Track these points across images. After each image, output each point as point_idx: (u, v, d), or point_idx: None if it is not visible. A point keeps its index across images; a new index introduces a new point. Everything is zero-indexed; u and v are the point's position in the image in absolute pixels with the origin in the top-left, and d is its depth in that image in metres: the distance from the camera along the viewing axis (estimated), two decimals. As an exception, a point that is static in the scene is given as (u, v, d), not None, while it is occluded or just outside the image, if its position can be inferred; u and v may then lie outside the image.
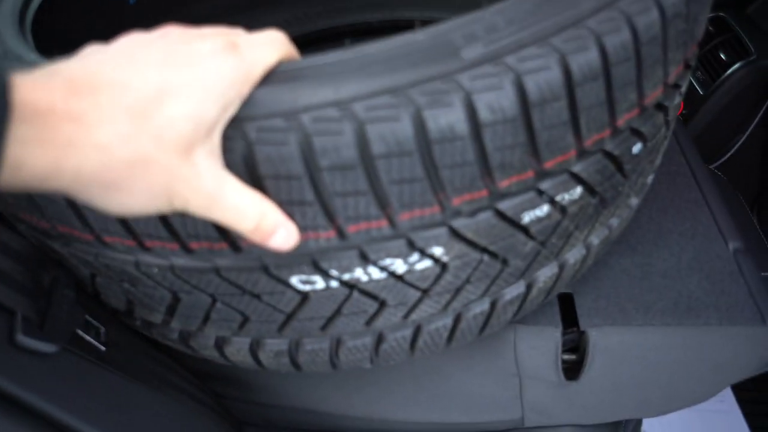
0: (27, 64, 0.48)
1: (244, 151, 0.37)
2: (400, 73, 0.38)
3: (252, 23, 1.22)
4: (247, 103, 0.38)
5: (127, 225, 0.42)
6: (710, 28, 1.35)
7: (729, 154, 1.29)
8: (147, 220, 0.41)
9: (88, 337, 0.49)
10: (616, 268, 0.68)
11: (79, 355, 0.49)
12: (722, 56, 1.26)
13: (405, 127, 0.37)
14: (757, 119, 1.22)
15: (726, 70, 1.22)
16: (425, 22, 1.22)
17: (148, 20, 1.06)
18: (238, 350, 0.54)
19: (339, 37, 1.26)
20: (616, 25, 0.42)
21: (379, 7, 1.26)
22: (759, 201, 1.32)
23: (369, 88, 0.37)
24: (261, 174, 0.38)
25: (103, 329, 0.52)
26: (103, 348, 0.51)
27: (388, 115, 0.37)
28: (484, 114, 0.39)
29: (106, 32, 0.96)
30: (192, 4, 1.12)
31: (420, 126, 0.38)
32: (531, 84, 0.39)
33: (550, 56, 0.40)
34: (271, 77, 0.39)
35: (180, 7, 1.09)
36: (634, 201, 0.63)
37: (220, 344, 0.53)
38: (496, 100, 0.39)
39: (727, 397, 1.34)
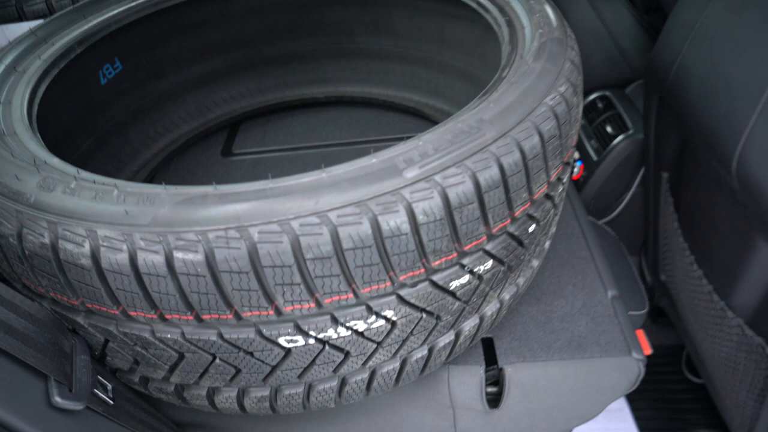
0: (54, 170, 0.60)
1: (249, 248, 0.51)
2: (361, 189, 0.54)
3: (208, 97, 1.36)
4: (251, 212, 0.52)
5: (152, 301, 0.54)
6: (599, 105, 1.63)
7: (619, 209, 1.54)
8: (170, 297, 0.53)
9: (102, 395, 0.59)
10: (526, 315, 0.86)
11: (95, 411, 0.59)
12: (609, 129, 1.53)
13: (366, 229, 0.53)
14: (637, 181, 1.49)
15: (612, 141, 1.49)
16: (365, 99, 1.40)
17: (116, 97, 1.18)
18: (226, 398, 0.65)
19: (289, 108, 1.42)
20: (509, 148, 0.60)
21: (324, 83, 1.43)
22: (645, 246, 1.58)
23: (340, 202, 0.53)
24: (261, 265, 0.52)
25: (110, 386, 0.62)
26: (111, 402, 0.61)
27: (353, 220, 0.52)
28: (420, 217, 0.55)
29: (86, 110, 1.06)
30: (153, 83, 1.24)
31: (376, 227, 0.53)
32: (452, 194, 0.56)
33: (465, 174, 0.57)
34: (268, 192, 0.53)
35: (142, 85, 1.21)
36: (536, 263, 0.82)
37: (211, 394, 0.65)
38: (428, 207, 0.55)
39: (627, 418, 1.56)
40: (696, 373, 1.60)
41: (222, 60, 1.32)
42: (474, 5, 0.96)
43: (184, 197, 0.53)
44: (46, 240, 0.54)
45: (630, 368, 0.78)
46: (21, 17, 1.09)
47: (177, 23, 1.17)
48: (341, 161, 0.57)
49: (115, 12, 1.02)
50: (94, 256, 0.53)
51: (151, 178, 1.21)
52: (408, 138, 0.60)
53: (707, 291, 1.05)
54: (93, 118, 1.10)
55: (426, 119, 1.30)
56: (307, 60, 1.37)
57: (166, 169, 1.26)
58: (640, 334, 0.83)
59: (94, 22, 0.98)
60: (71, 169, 0.60)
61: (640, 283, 1.13)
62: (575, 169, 1.58)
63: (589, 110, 1.66)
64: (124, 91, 1.16)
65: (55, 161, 0.62)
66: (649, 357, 0.80)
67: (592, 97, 1.66)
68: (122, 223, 0.53)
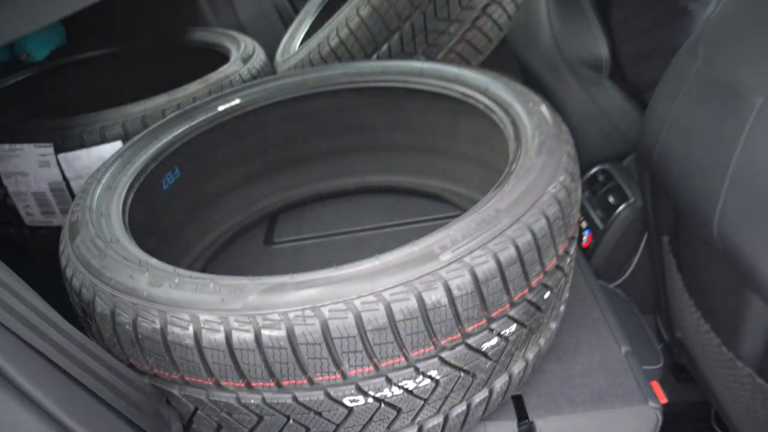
0: (157, 269, 0.74)
1: (321, 324, 0.64)
2: (408, 272, 0.68)
3: (250, 194, 1.54)
4: (322, 295, 0.65)
5: (241, 371, 0.66)
6: (600, 178, 1.79)
7: (629, 271, 1.65)
8: (256, 367, 0.66)
9: (196, 456, 0.70)
10: (549, 372, 0.96)
11: (191, 470, 0.70)
12: (611, 200, 1.67)
13: (413, 303, 0.66)
14: (642, 245, 1.61)
15: (614, 211, 1.63)
16: (389, 186, 1.57)
17: (175, 200, 1.36)
18: (297, 457, 0.76)
19: (322, 199, 1.59)
20: (522, 231, 0.74)
21: (352, 175, 1.61)
22: (658, 305, 1.67)
23: (391, 283, 0.66)
24: (331, 337, 0.65)
25: (199, 450, 0.73)
26: (202, 464, 0.72)
27: (403, 297, 0.66)
28: (455, 291, 0.68)
29: (151, 213, 1.23)
30: (205, 185, 1.42)
31: (421, 302, 0.66)
32: (479, 272, 0.69)
33: (488, 254, 0.71)
34: (334, 278, 0.67)
35: (196, 188, 1.39)
36: (554, 325, 0.93)
37: (284, 454, 0.75)
38: (461, 283, 0.68)
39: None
40: (725, 429, 1.62)
41: (262, 161, 1.51)
42: (481, 107, 1.15)
43: (267, 286, 0.67)
44: (157, 326, 0.68)
45: (648, 416, 0.87)
46: (102, 140, 1.30)
47: (226, 134, 1.37)
48: (373, 244, 0.72)
49: (179, 131, 1.22)
50: (197, 337, 0.66)
51: (204, 268, 1.36)
52: (428, 221, 0.74)
53: (716, 344, 1.14)
54: (156, 219, 1.27)
55: (445, 202, 1.46)
56: (337, 156, 1.56)
57: (215, 258, 1.41)
58: (655, 384, 0.92)
59: (164, 140, 1.17)
60: (170, 268, 0.75)
61: (654, 340, 1.22)
62: (584, 238, 1.71)
63: (592, 183, 1.81)
64: (182, 194, 1.34)
65: (154, 261, 0.77)
66: (677, 414, 0.89)
67: (593, 171, 1.82)
68: (219, 309, 0.66)
